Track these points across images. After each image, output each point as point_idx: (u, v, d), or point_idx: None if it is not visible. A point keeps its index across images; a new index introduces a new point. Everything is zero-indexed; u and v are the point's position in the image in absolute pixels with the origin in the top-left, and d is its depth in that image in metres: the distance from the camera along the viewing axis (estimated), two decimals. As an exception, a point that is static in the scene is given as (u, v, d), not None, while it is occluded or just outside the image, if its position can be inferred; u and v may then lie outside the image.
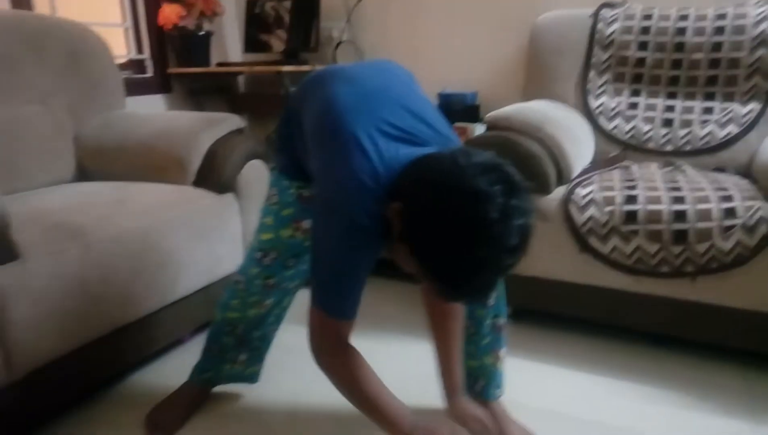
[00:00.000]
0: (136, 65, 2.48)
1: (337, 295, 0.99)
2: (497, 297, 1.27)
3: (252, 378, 1.50)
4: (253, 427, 1.40)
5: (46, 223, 1.35)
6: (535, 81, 2.21)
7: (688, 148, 1.94)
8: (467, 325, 1.28)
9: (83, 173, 1.87)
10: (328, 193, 0.97)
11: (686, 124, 1.96)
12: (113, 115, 1.98)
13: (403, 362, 1.64)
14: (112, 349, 1.45)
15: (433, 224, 0.84)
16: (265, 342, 1.48)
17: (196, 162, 1.77)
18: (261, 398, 1.51)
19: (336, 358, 1.02)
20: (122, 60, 2.43)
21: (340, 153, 0.95)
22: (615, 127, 2.04)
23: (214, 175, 1.76)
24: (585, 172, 1.86)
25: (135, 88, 2.35)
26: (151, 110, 2.47)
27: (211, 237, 1.69)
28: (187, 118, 1.90)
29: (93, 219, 1.42)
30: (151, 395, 1.48)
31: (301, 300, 2.08)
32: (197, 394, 1.46)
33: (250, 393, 1.52)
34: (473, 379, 1.34)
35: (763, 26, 1.89)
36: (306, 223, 1.23)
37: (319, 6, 2.51)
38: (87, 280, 1.34)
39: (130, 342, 1.50)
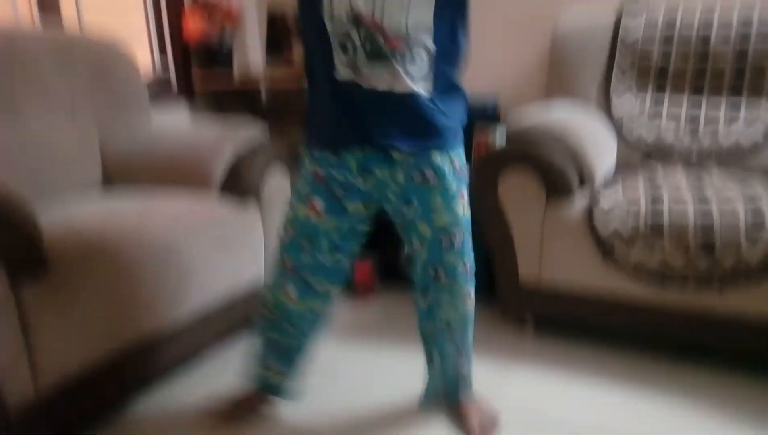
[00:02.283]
0: (160, 77, 2.52)
1: None
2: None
3: (291, 395, 1.47)
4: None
5: (73, 234, 1.38)
6: (557, 81, 2.19)
7: (714, 153, 1.90)
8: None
9: (109, 184, 1.91)
10: None
11: (712, 129, 1.92)
12: (139, 127, 2.02)
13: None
14: (138, 361, 1.47)
15: None
16: (299, 353, 1.43)
17: (219, 173, 1.79)
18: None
19: None
20: (147, 73, 2.47)
21: None
22: (639, 133, 2.01)
23: (237, 185, 1.78)
24: (609, 179, 1.84)
25: (159, 99, 2.39)
26: (176, 120, 2.51)
27: (234, 247, 1.71)
28: (212, 130, 1.93)
29: (119, 231, 1.44)
30: (175, 408, 1.49)
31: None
32: (254, 398, 1.46)
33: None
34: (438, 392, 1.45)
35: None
36: (318, 203, 1.24)
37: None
38: (112, 291, 1.36)
39: (154, 354, 1.52)
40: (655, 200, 1.58)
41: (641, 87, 2.06)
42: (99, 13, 2.25)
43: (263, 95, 2.86)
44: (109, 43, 2.03)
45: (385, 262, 2.37)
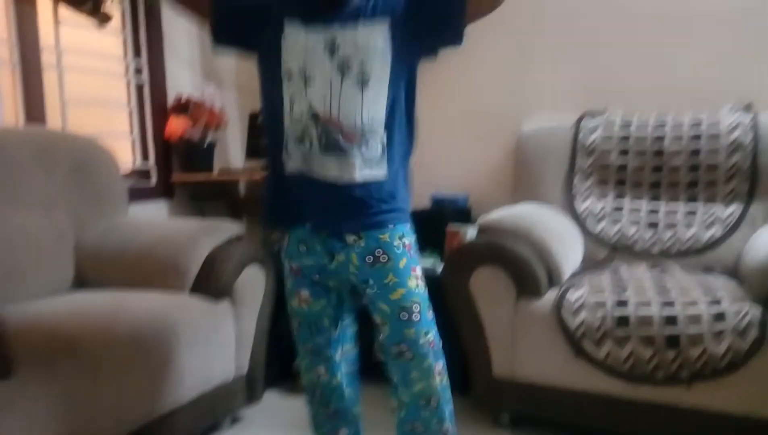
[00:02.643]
0: (140, 173, 2.57)
1: None
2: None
3: None
4: None
5: (40, 334, 1.36)
6: (524, 184, 2.30)
7: (674, 249, 1.98)
8: None
9: (82, 280, 1.90)
10: None
11: (671, 226, 2.02)
12: (115, 222, 2.04)
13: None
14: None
15: None
16: (352, 418, 1.49)
17: (194, 269, 1.80)
18: None
19: None
20: (127, 169, 2.52)
21: None
22: (602, 230, 2.09)
23: (211, 281, 1.79)
24: (575, 274, 1.89)
25: (138, 195, 2.43)
26: (154, 216, 2.54)
27: (205, 345, 1.69)
28: (188, 226, 1.96)
29: (87, 330, 1.43)
30: None
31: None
32: None
33: None
34: None
35: (736, 133, 2.00)
36: (304, 293, 1.35)
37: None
38: (77, 391, 1.33)
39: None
40: (621, 295, 1.63)
41: (602, 187, 2.16)
42: (84, 115, 2.33)
43: (241, 189, 2.94)
44: (89, 139, 2.09)
45: (360, 355, 2.35)
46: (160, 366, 1.54)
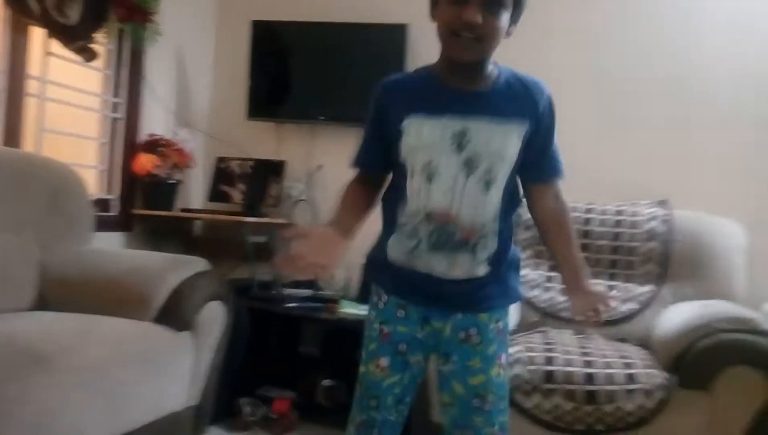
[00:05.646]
0: (102, 204, 2.63)
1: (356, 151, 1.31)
2: None
3: None
4: None
5: (15, 352, 1.42)
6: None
7: (596, 319, 2.24)
8: None
9: (43, 303, 1.93)
10: None
11: (595, 298, 2.28)
12: (82, 249, 2.10)
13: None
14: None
15: None
16: None
17: (159, 300, 1.88)
18: None
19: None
20: (91, 198, 2.58)
21: None
22: (535, 296, 2.33)
23: (176, 313, 1.87)
24: (511, 333, 2.10)
25: (98, 224, 2.48)
26: (110, 247, 2.59)
27: (164, 373, 1.77)
28: (156, 259, 2.04)
29: (58, 350, 1.49)
30: None
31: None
32: None
33: None
34: None
35: (652, 223, 2.32)
36: (383, 361, 1.27)
37: (283, 168, 2.83)
38: (45, 407, 1.38)
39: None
40: (549, 352, 1.85)
41: (537, 265, 2.40)
42: (57, 144, 2.40)
43: (198, 229, 3.03)
44: (65, 166, 2.17)
45: (304, 398, 2.45)
46: (122, 390, 1.60)
